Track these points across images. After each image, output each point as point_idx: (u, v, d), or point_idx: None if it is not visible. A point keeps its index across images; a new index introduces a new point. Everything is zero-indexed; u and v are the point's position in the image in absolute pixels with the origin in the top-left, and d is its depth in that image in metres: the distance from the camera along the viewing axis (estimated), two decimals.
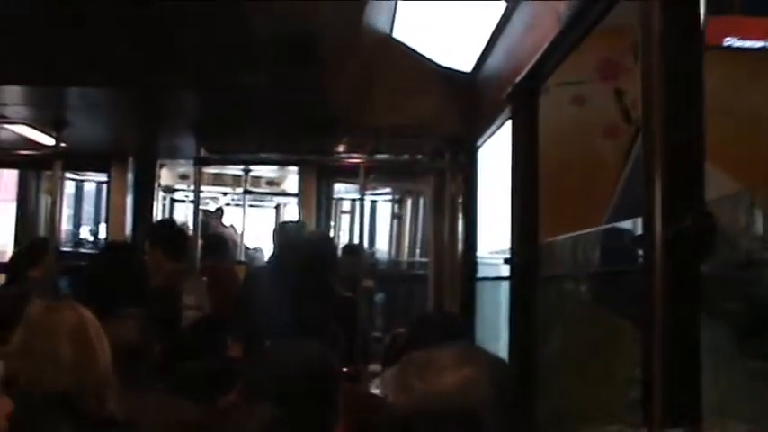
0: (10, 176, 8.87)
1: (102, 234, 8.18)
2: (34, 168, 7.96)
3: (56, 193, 5.88)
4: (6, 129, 6.03)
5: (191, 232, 6.15)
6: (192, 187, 5.86)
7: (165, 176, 8.26)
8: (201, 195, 10.88)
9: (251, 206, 11.09)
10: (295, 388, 2.47)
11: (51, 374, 2.61)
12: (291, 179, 9.01)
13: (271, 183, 10.36)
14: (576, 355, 3.65)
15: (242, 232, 10.02)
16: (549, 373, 3.70)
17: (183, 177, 8.87)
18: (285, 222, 9.93)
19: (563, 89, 4.38)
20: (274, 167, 9.03)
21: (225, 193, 11.98)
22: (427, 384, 1.72)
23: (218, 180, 10.64)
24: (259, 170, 9.37)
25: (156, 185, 7.43)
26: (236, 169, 9.53)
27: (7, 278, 6.87)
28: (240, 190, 10.31)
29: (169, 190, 10.69)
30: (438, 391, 1.70)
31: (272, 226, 7.01)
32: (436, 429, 1.70)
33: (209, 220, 9.94)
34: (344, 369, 4.00)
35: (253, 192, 10.05)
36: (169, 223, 6.92)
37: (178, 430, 1.65)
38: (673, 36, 2.22)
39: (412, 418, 1.73)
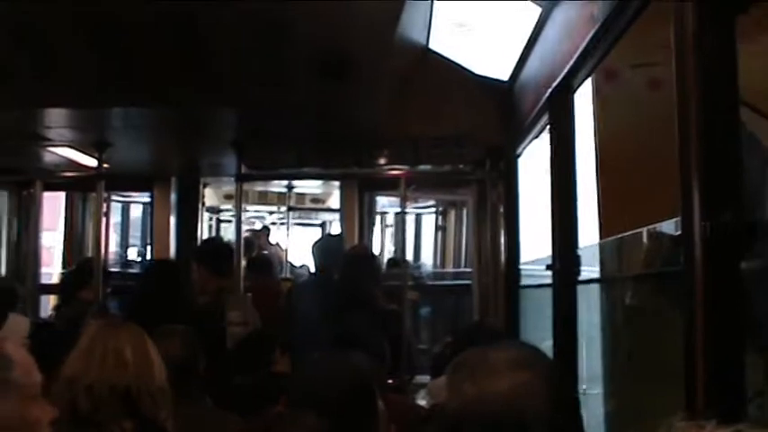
0: (54, 203, 8.97)
1: (150, 255, 8.24)
2: (78, 190, 8.04)
3: (99, 213, 5.95)
4: (51, 151, 6.14)
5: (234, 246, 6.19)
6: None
7: (210, 197, 8.33)
8: (247, 215, 11.01)
9: (296, 224, 11.12)
10: (339, 399, 2.48)
11: (115, 370, 2.66)
12: (336, 195, 9.03)
13: (315, 200, 10.40)
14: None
15: (287, 250, 10.06)
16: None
17: (228, 197, 8.93)
18: (324, 236, 9.99)
19: (637, 73, 4.18)
20: (318, 184, 9.06)
21: (271, 212, 12.07)
22: (479, 387, 1.72)
23: (262, 199, 10.71)
24: (303, 187, 9.40)
25: (201, 205, 7.51)
26: (280, 186, 9.56)
27: (58, 300, 6.99)
28: (285, 208, 10.36)
29: (215, 210, 10.78)
30: (490, 394, 1.69)
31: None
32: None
33: (255, 239, 9.99)
34: (390, 381, 4.02)
35: (297, 208, 10.08)
36: (214, 241, 6.99)
37: None
38: (707, 34, 2.22)
39: (463, 422, 1.73)
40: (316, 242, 6.39)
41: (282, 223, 11.32)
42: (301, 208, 10.30)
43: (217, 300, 5.60)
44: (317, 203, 10.54)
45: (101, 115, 5.01)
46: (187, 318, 4.42)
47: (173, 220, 7.01)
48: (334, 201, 9.21)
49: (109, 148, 5.66)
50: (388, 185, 6.56)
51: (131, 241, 10.56)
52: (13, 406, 1.80)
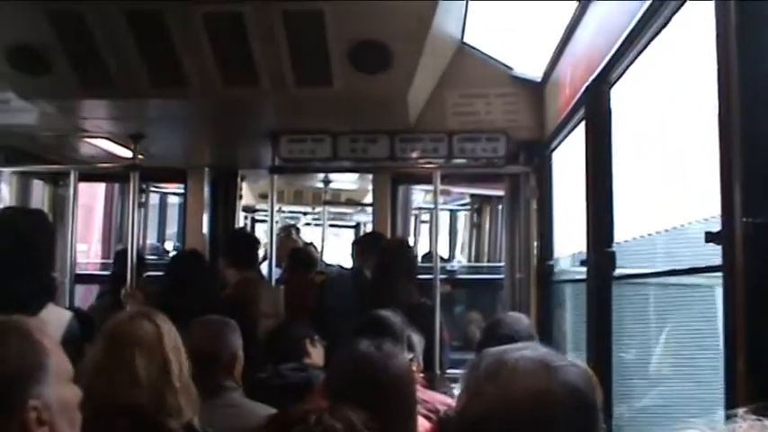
0: (93, 194, 9.05)
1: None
2: (113, 181, 8.11)
3: (133, 204, 5.99)
4: (87, 142, 6.19)
5: (266, 242, 6.22)
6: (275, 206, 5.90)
7: (245, 196, 8.36)
8: (283, 215, 11.04)
9: (331, 225, 11.11)
10: (376, 391, 2.49)
11: (124, 388, 2.65)
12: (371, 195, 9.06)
13: (350, 200, 10.40)
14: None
15: (322, 249, 10.09)
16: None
17: (263, 196, 8.94)
18: (363, 234, 10.00)
19: None
20: (353, 179, 9.07)
21: (305, 213, 12.10)
22: (498, 389, 1.71)
23: (298, 199, 10.76)
24: (339, 182, 9.41)
25: (239, 198, 7.55)
26: (315, 185, 9.57)
27: (100, 290, 7.08)
28: (320, 208, 10.38)
29: (250, 209, 10.79)
30: (510, 396, 1.68)
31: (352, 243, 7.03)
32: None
33: (287, 236, 10.00)
34: (421, 375, 4.02)
35: (332, 203, 10.06)
36: (234, 233, 7.01)
37: None
38: (749, 32, 2.21)
39: (482, 424, 1.72)
40: (355, 239, 6.45)
41: (318, 224, 11.32)
42: (337, 202, 10.27)
43: (240, 292, 5.63)
44: (352, 202, 10.54)
45: (137, 107, 5.05)
46: (213, 308, 4.43)
47: (206, 212, 7.04)
48: (370, 199, 9.23)
49: (144, 139, 5.70)
50: (422, 180, 6.57)
51: (168, 233, 10.62)
52: (49, 389, 1.86)
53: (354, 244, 6.82)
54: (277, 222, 6.31)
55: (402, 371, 2.62)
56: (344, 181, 9.20)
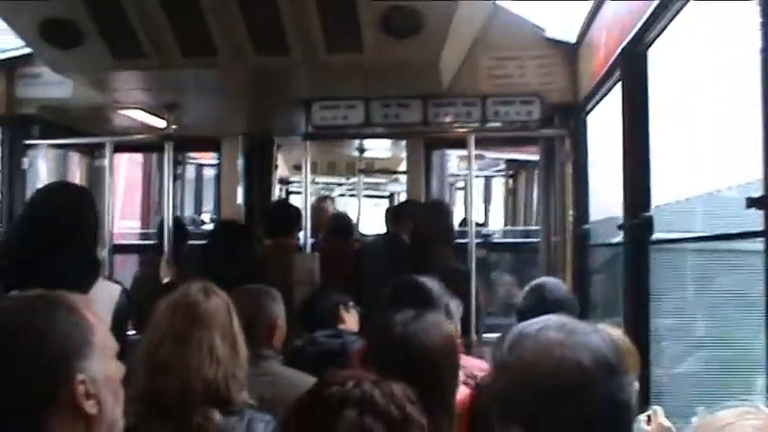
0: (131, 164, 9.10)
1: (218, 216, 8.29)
2: (148, 152, 8.13)
3: (168, 174, 6.01)
4: (121, 113, 6.22)
5: (302, 210, 6.21)
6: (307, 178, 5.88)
7: (280, 168, 8.35)
8: (317, 187, 11.03)
9: (365, 196, 11.06)
10: (427, 361, 2.48)
11: (209, 366, 2.65)
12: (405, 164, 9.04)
13: (384, 169, 10.36)
14: None
15: (357, 220, 10.07)
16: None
17: (298, 167, 8.93)
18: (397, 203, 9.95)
19: None
20: (387, 149, 9.03)
21: (340, 183, 12.11)
22: (523, 362, 1.72)
23: (331, 169, 10.75)
24: (372, 152, 9.36)
25: (274, 167, 7.56)
26: (350, 155, 9.53)
27: (139, 261, 7.15)
28: (354, 180, 10.35)
29: (284, 181, 10.80)
30: (534, 368, 1.69)
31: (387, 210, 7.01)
32: (536, 409, 1.69)
33: (323, 205, 9.99)
34: (459, 340, 4.01)
35: (366, 171, 10.01)
36: (280, 204, 7.03)
37: (301, 404, 1.68)
38: None
39: (510, 398, 1.73)
40: (389, 207, 6.45)
41: (352, 195, 11.30)
42: (371, 171, 10.22)
43: (276, 259, 5.68)
44: (386, 170, 10.49)
45: (169, 77, 5.05)
46: (252, 277, 4.45)
47: (241, 181, 7.05)
48: (404, 167, 9.20)
49: (178, 109, 5.71)
50: (456, 144, 6.53)
51: (205, 204, 10.65)
52: (95, 364, 1.91)
53: (389, 210, 6.81)
54: (311, 195, 6.26)
55: (445, 340, 2.60)
56: (378, 149, 9.15)
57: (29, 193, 5.67)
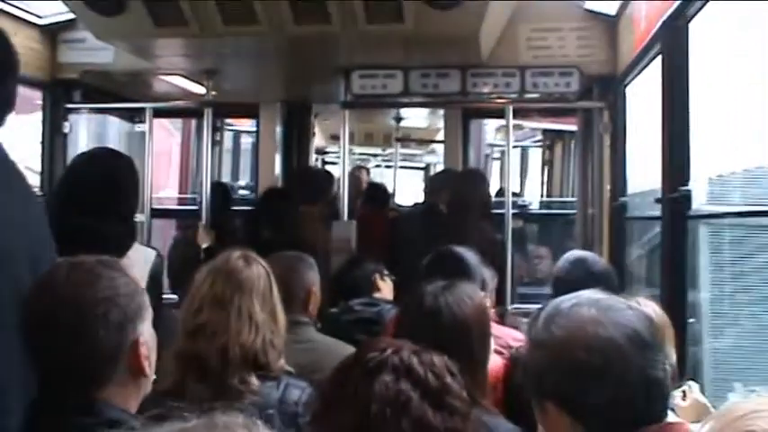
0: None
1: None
2: (187, 117, 8.19)
3: (207, 140, 6.07)
4: (161, 79, 6.27)
5: (338, 177, 6.24)
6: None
7: (317, 138, 8.36)
8: (353, 157, 11.05)
9: (401, 167, 11.05)
10: (446, 328, 2.51)
11: (249, 333, 2.69)
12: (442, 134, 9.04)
13: (421, 139, 10.34)
14: None
15: (393, 191, 10.06)
16: None
17: (335, 137, 8.94)
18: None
19: None
20: (424, 117, 9.02)
21: (376, 155, 12.13)
22: (556, 339, 1.74)
23: (368, 140, 10.77)
24: (409, 121, 9.35)
25: (312, 135, 7.60)
26: (386, 120, 9.51)
27: (177, 225, 7.24)
28: (390, 151, 10.34)
29: (321, 152, 10.81)
30: (570, 347, 1.72)
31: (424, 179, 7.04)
32: (568, 386, 1.72)
33: (359, 174, 10.02)
34: (493, 309, 4.03)
35: (403, 139, 10.00)
36: (308, 170, 7.06)
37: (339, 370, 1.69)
38: None
39: (545, 374, 1.76)
40: (425, 177, 6.48)
41: (388, 166, 11.31)
42: (408, 139, 10.20)
43: (310, 227, 5.75)
44: (423, 141, 10.48)
45: (210, 44, 5.07)
46: (297, 243, 4.50)
47: (279, 148, 7.09)
48: (441, 137, 9.21)
49: (217, 75, 5.75)
50: (494, 114, 6.53)
51: (242, 172, 10.69)
52: (146, 327, 1.99)
53: (426, 180, 6.83)
54: (348, 165, 6.27)
55: (476, 310, 2.62)
56: (415, 117, 9.14)
57: (69, 157, 5.77)
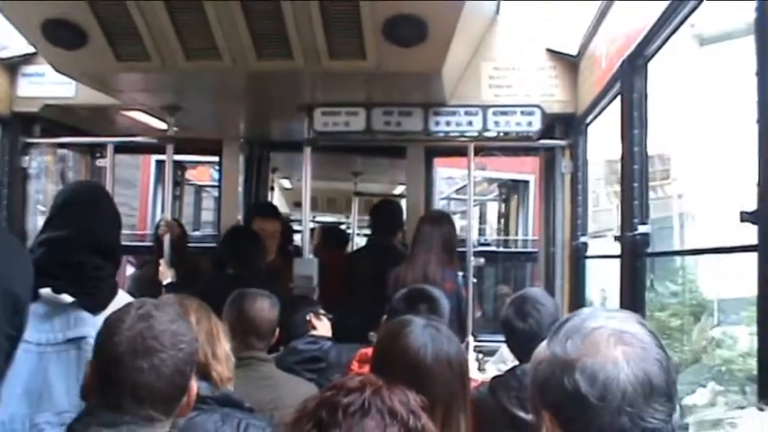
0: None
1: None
2: (150, 153, 8.16)
3: (169, 176, 6.02)
4: (123, 115, 6.23)
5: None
6: None
7: (279, 205, 8.41)
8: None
9: (363, 235, 11.08)
10: (427, 368, 2.48)
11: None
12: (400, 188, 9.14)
13: (380, 194, 10.37)
14: None
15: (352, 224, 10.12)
16: None
17: (297, 204, 9.10)
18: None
19: None
20: (384, 183, 9.16)
21: (340, 223, 11.96)
22: (567, 357, 1.71)
23: (331, 206, 11.27)
24: (366, 185, 9.42)
25: (271, 171, 7.60)
26: (349, 182, 9.52)
27: (137, 262, 7.21)
28: (351, 219, 10.41)
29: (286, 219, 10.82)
30: (577, 369, 1.69)
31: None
32: (560, 403, 1.70)
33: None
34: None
35: (363, 194, 9.95)
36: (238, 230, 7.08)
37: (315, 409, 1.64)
38: None
39: (544, 385, 1.75)
40: (374, 205, 6.54)
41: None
42: (368, 194, 10.11)
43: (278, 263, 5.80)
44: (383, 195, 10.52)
45: (172, 79, 5.06)
46: (255, 280, 4.51)
47: (241, 182, 7.08)
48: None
49: (179, 111, 5.72)
50: (456, 153, 6.54)
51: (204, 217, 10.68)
52: None
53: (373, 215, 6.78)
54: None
55: (458, 351, 2.60)
56: (375, 173, 9.17)
57: (30, 192, 5.72)
